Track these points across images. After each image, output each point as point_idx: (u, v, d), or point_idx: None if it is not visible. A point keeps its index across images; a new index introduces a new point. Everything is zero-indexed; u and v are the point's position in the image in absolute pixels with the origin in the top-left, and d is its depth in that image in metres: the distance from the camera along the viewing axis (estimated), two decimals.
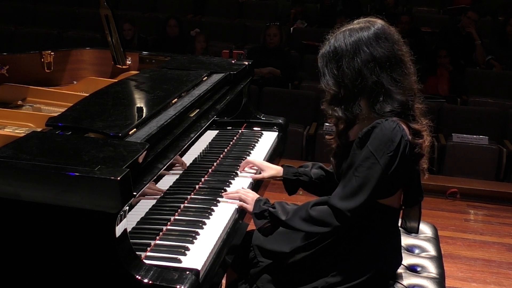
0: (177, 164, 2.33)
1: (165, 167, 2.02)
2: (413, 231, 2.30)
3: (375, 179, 1.91)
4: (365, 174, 1.92)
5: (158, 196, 2.16)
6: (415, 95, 2.02)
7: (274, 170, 2.45)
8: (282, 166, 2.47)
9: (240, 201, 2.19)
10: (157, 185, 2.15)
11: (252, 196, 2.19)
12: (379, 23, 2.01)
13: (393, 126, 1.91)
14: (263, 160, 2.63)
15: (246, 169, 2.50)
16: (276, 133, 3.01)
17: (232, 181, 2.39)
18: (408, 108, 1.97)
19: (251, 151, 2.72)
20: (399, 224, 2.26)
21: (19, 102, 2.80)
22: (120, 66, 3.21)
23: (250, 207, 2.15)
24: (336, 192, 1.99)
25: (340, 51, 1.97)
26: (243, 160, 2.56)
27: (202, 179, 2.37)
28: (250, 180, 2.43)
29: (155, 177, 1.95)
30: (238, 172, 2.47)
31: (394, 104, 1.95)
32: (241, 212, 2.18)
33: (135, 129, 2.00)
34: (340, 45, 1.98)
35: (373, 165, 1.91)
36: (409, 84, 1.99)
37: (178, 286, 1.59)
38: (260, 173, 2.48)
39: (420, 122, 2.01)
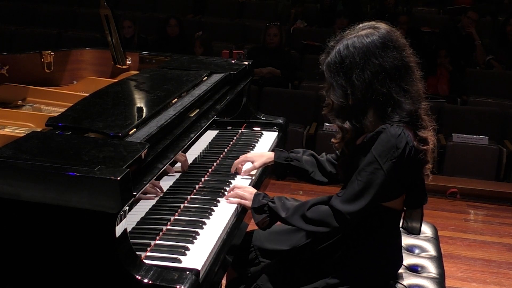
0: (177, 166, 2.33)
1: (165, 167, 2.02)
2: (415, 232, 2.30)
3: (378, 185, 1.91)
4: (368, 179, 1.91)
5: (158, 196, 2.16)
6: (422, 99, 2.01)
7: (265, 157, 2.45)
8: (273, 150, 2.47)
9: (238, 198, 2.18)
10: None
11: (250, 191, 2.18)
12: (383, 28, 1.98)
13: (399, 133, 1.90)
14: None
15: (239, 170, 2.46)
16: (276, 133, 3.01)
17: (232, 181, 2.38)
18: (416, 118, 1.96)
19: (251, 151, 2.72)
20: (401, 225, 2.26)
21: (19, 102, 2.79)
22: (120, 66, 3.21)
23: (248, 202, 2.14)
24: (338, 194, 1.99)
25: (349, 63, 1.94)
26: None
27: (202, 179, 2.37)
28: (250, 180, 2.42)
29: (155, 177, 1.95)
30: (238, 172, 2.46)
31: (402, 114, 1.94)
32: (241, 212, 2.18)
33: (135, 129, 2.00)
34: (347, 56, 1.94)
35: (376, 171, 1.91)
36: (417, 92, 1.99)
37: (178, 286, 1.58)
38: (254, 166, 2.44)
39: (426, 125, 1.99)
